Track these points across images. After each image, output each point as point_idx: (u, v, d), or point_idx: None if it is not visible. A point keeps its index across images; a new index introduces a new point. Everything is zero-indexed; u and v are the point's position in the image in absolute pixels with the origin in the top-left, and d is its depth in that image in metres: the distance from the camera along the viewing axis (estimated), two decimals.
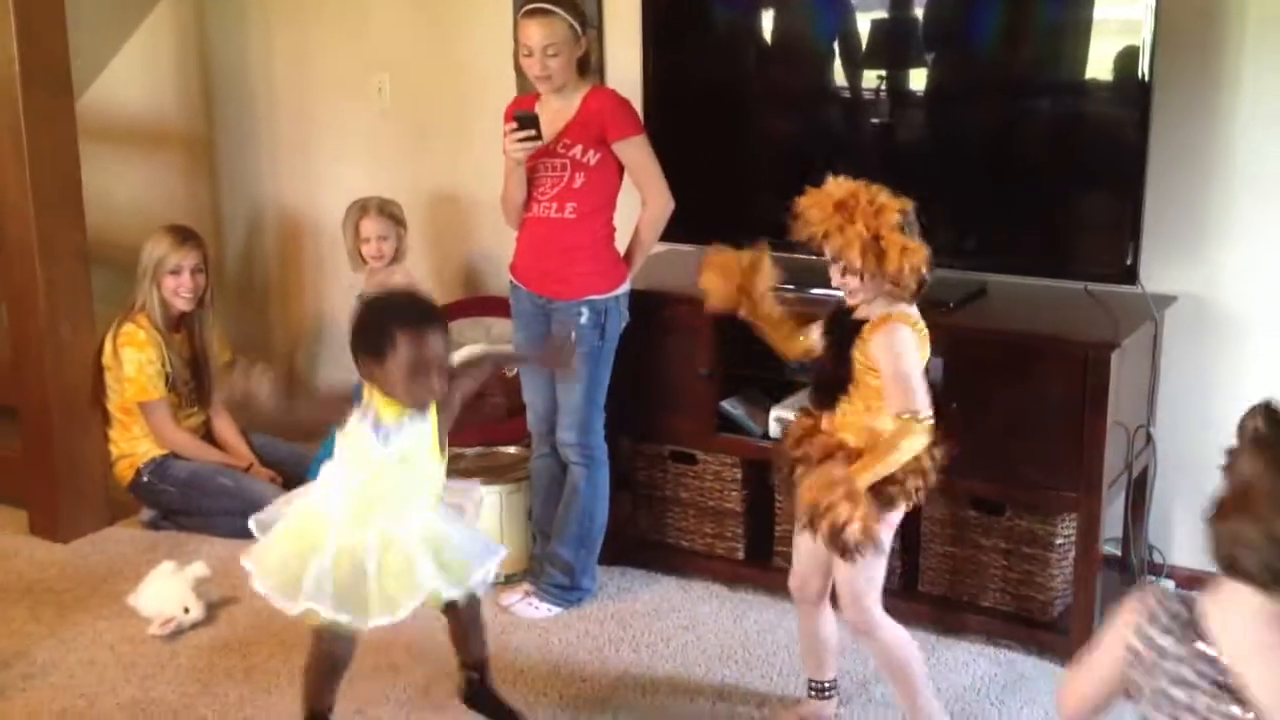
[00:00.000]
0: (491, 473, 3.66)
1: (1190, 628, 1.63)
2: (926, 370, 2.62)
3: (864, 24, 3.50)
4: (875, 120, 3.56)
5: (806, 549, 2.74)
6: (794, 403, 3.32)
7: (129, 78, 4.77)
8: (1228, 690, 1.60)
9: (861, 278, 2.53)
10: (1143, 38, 3.03)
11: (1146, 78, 3.04)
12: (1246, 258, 3.30)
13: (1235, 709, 1.59)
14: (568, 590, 3.48)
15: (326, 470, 2.66)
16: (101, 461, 4.05)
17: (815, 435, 2.65)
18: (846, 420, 2.61)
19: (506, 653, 3.21)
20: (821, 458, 2.58)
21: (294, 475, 3.87)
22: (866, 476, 2.48)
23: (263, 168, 4.70)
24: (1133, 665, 1.68)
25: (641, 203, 3.38)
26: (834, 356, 2.64)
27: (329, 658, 2.71)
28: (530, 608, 3.46)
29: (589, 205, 3.31)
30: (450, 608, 2.76)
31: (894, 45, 3.47)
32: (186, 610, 3.38)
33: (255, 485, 3.93)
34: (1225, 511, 1.61)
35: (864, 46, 3.49)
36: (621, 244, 3.41)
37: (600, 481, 3.45)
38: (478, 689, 2.90)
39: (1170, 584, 3.45)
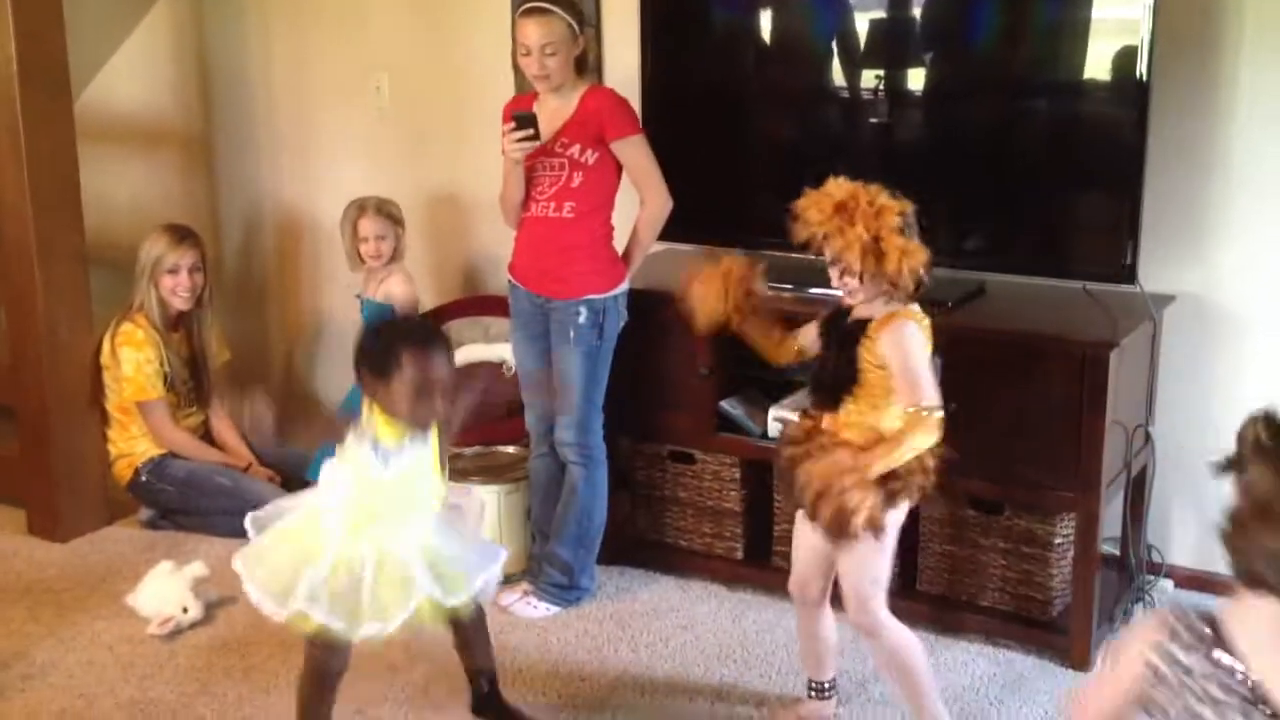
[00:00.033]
0: (490, 472, 3.67)
1: (1214, 643, 1.62)
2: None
3: (862, 24, 3.49)
4: (874, 120, 3.55)
5: (806, 550, 2.74)
6: (793, 403, 3.33)
7: (127, 77, 4.76)
8: (1257, 704, 1.58)
9: (861, 279, 2.53)
10: (1141, 37, 3.03)
11: (1145, 77, 3.04)
12: (1245, 257, 3.30)
13: None
14: (566, 590, 3.48)
15: (327, 470, 2.66)
16: (100, 461, 4.05)
17: (816, 435, 2.65)
18: (850, 420, 2.61)
19: (505, 652, 3.20)
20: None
21: (293, 475, 3.89)
22: (878, 466, 2.48)
23: (261, 167, 4.70)
24: (1154, 684, 1.65)
25: (640, 202, 3.37)
26: (836, 356, 2.63)
27: (322, 668, 2.70)
28: (529, 607, 3.46)
29: (587, 205, 3.31)
30: (454, 618, 2.73)
31: (892, 45, 3.47)
32: (185, 610, 3.38)
33: (254, 485, 3.93)
34: (1244, 525, 1.59)
35: (862, 46, 3.49)
36: (620, 243, 3.41)
37: (599, 481, 3.44)
38: (487, 699, 2.91)
39: (1169, 583, 3.47)
